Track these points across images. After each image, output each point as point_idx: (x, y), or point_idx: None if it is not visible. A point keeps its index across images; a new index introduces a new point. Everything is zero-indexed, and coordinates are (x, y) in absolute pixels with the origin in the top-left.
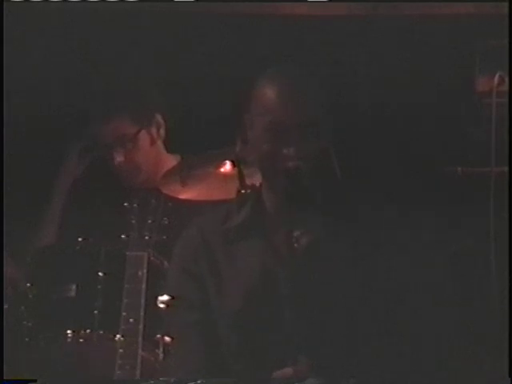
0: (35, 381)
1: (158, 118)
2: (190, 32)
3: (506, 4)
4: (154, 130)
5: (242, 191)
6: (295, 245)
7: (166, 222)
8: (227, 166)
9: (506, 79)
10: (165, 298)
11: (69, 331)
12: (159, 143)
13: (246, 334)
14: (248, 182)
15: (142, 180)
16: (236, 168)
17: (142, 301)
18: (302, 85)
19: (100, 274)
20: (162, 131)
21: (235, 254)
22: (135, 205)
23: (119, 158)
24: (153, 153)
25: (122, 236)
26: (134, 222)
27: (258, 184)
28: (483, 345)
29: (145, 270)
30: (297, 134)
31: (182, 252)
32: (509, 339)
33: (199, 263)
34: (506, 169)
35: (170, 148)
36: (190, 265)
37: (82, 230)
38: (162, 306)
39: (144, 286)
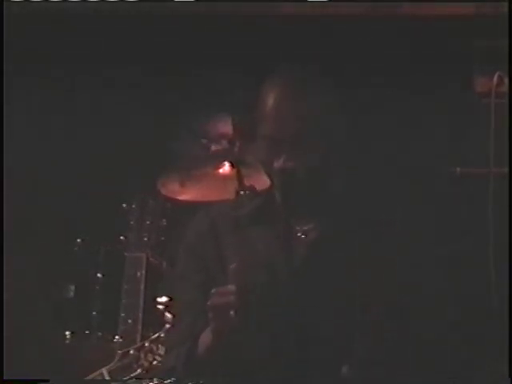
0: (37, 381)
1: None
2: (190, 32)
3: (506, 4)
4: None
5: (241, 192)
6: (302, 236)
7: (165, 223)
8: (226, 167)
9: (506, 79)
10: (163, 299)
11: (67, 332)
12: None
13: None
14: (247, 182)
15: None
16: (235, 169)
17: (141, 302)
18: (299, 97)
19: (99, 274)
20: None
21: (243, 240)
22: (134, 206)
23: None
24: None
25: (121, 237)
26: (132, 223)
27: (256, 184)
28: (483, 345)
29: (143, 271)
30: (288, 148)
31: (190, 234)
32: (509, 339)
33: (205, 246)
34: (505, 169)
35: None
36: (196, 246)
37: (80, 230)
38: (160, 307)
39: (143, 286)
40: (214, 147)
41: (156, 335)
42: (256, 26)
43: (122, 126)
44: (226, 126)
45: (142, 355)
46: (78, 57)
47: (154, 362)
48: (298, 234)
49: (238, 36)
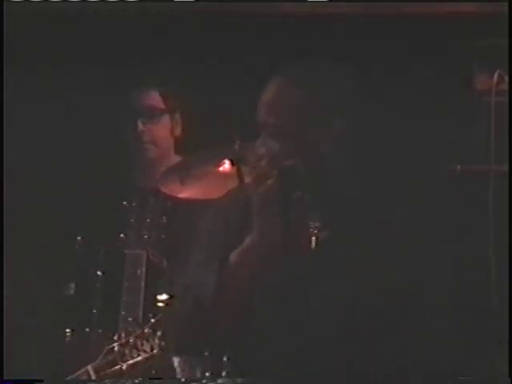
0: (36, 381)
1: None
2: (190, 32)
3: (506, 3)
4: (178, 116)
5: (241, 190)
6: (314, 231)
7: (165, 221)
8: (226, 165)
9: (506, 78)
10: (164, 296)
11: (68, 330)
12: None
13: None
14: (247, 180)
15: (152, 156)
16: (235, 167)
17: (141, 299)
18: (298, 96)
19: (99, 272)
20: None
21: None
22: (134, 204)
23: (142, 127)
24: (170, 136)
25: (121, 235)
26: (132, 220)
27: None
28: (483, 345)
29: (144, 269)
30: (286, 145)
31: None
32: (509, 339)
33: (220, 228)
34: (505, 167)
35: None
36: (213, 224)
37: (81, 228)
38: (160, 304)
39: (143, 284)
40: (143, 123)
41: (140, 331)
42: (256, 25)
43: (122, 125)
44: (154, 99)
45: (127, 351)
46: (78, 57)
47: (139, 358)
48: (311, 230)
49: (238, 36)
